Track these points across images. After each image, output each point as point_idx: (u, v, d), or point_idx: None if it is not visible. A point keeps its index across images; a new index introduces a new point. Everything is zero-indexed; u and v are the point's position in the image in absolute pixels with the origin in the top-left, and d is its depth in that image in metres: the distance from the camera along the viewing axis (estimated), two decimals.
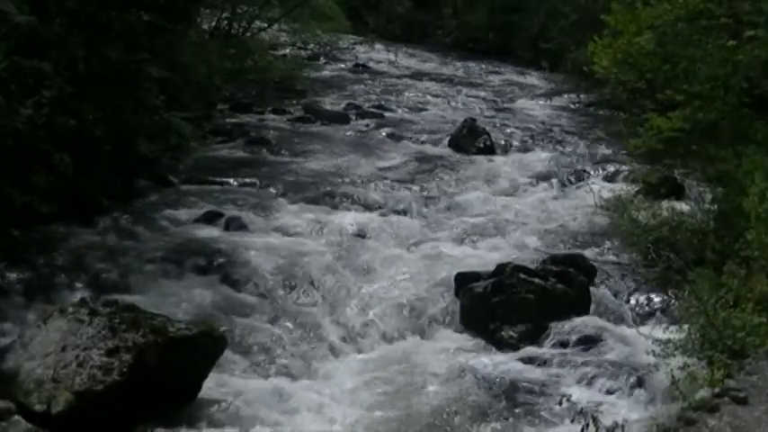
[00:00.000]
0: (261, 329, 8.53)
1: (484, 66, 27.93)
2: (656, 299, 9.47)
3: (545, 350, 8.50)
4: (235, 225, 11.07)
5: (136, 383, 6.78)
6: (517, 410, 7.43)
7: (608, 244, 10.99)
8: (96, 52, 10.56)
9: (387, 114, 18.83)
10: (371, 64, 26.27)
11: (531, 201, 12.99)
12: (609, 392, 7.77)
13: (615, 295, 9.68)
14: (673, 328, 8.08)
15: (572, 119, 19.77)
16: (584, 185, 13.64)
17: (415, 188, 13.18)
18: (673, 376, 6.75)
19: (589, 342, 8.54)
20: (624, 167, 14.33)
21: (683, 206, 11.26)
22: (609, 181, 13.90)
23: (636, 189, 12.61)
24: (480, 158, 15.34)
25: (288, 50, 23.80)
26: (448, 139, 16.30)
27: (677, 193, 12.33)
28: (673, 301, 9.15)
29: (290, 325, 8.76)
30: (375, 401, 7.53)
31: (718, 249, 9.06)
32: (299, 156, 14.88)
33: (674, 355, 7.16)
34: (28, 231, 9.58)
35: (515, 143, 16.51)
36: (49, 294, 8.76)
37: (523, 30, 29.43)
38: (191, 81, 14.49)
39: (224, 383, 7.48)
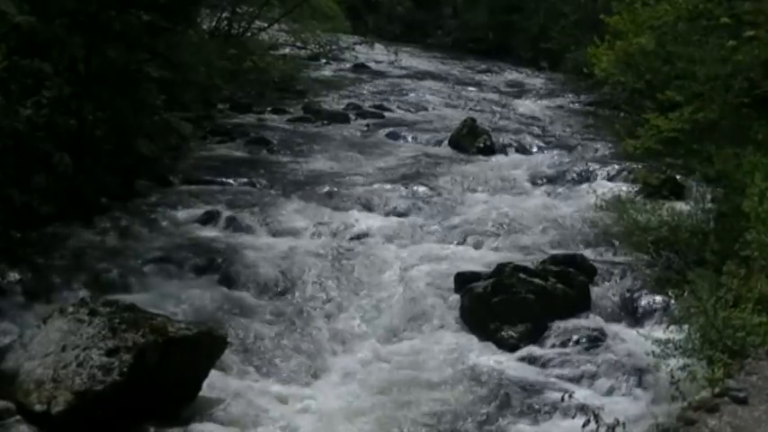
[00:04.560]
0: (261, 329, 8.53)
1: (484, 66, 27.94)
2: (656, 299, 9.46)
3: (545, 350, 8.50)
4: (235, 225, 11.07)
5: (136, 383, 6.78)
6: (517, 410, 7.44)
7: (608, 244, 10.98)
8: (96, 52, 10.57)
9: (387, 114, 18.86)
10: (371, 64, 26.28)
11: (531, 201, 12.98)
12: (609, 392, 7.79)
13: (615, 295, 9.67)
14: (673, 328, 8.08)
15: (572, 119, 19.77)
16: (585, 185, 13.65)
17: (416, 188, 13.16)
18: (673, 376, 6.75)
19: (589, 342, 8.54)
20: (624, 167, 14.33)
21: (683, 206, 11.26)
22: (609, 181, 13.89)
23: (636, 189, 12.61)
24: (480, 158, 15.35)
25: (288, 50, 23.78)
26: (448, 138, 16.31)
27: (677, 193, 12.33)
28: (673, 301, 9.14)
29: (289, 325, 8.76)
30: (375, 401, 7.53)
31: (718, 249, 9.06)
32: (299, 156, 14.89)
33: (674, 355, 7.16)
34: (28, 231, 9.58)
35: (515, 143, 16.50)
36: (49, 294, 8.76)
37: (523, 30, 29.48)
38: (191, 81, 14.47)
39: (224, 383, 7.48)
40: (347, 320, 9.05)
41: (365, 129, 17.41)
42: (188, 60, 13.87)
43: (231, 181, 13.03)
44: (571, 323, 8.79)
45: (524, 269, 9.44)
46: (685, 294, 8.10)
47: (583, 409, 7.05)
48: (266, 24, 22.45)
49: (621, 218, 10.95)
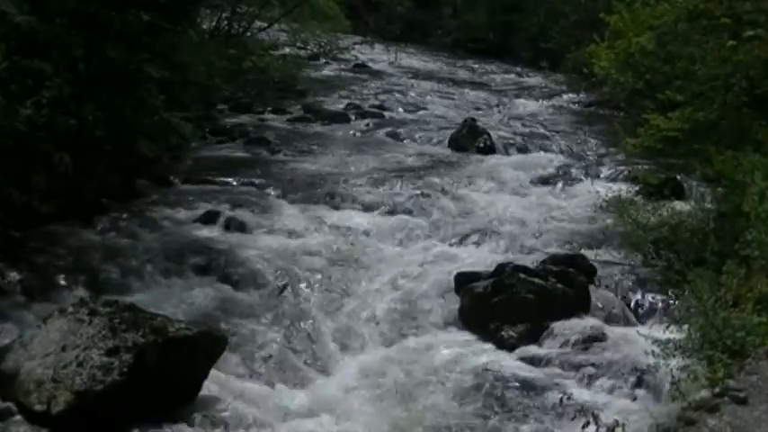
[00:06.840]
0: (261, 329, 8.53)
1: (484, 66, 27.97)
2: (656, 299, 9.47)
3: (545, 350, 8.48)
4: (235, 225, 11.07)
5: (136, 383, 6.78)
6: (517, 410, 7.44)
7: (608, 244, 10.97)
8: (96, 52, 10.56)
9: (387, 114, 18.87)
10: (371, 64, 26.30)
11: (532, 201, 12.98)
12: (609, 392, 7.77)
13: (615, 295, 9.67)
14: (673, 328, 8.07)
15: (572, 119, 19.79)
16: (585, 185, 13.66)
17: (415, 188, 13.15)
18: (673, 376, 6.75)
19: (589, 342, 8.52)
20: (624, 167, 14.34)
21: (683, 206, 11.26)
22: (609, 181, 13.90)
23: (636, 189, 12.61)
24: (480, 158, 15.36)
25: (288, 50, 23.80)
26: (448, 138, 16.32)
27: (677, 193, 12.35)
28: (673, 301, 9.14)
29: (289, 325, 8.75)
30: (375, 402, 7.53)
31: (718, 249, 9.05)
32: (299, 156, 14.89)
33: (674, 355, 7.15)
34: (28, 231, 9.58)
35: (515, 143, 16.51)
36: (49, 294, 8.75)
37: (523, 30, 29.50)
38: (191, 81, 14.49)
39: (224, 383, 7.47)
40: (347, 320, 9.05)
41: (365, 129, 17.42)
42: (188, 60, 13.88)
43: (231, 181, 13.04)
44: (571, 323, 8.77)
45: (524, 269, 9.44)
46: (685, 294, 8.10)
47: (583, 409, 7.07)
48: (266, 24, 22.46)
49: (621, 218, 10.95)
